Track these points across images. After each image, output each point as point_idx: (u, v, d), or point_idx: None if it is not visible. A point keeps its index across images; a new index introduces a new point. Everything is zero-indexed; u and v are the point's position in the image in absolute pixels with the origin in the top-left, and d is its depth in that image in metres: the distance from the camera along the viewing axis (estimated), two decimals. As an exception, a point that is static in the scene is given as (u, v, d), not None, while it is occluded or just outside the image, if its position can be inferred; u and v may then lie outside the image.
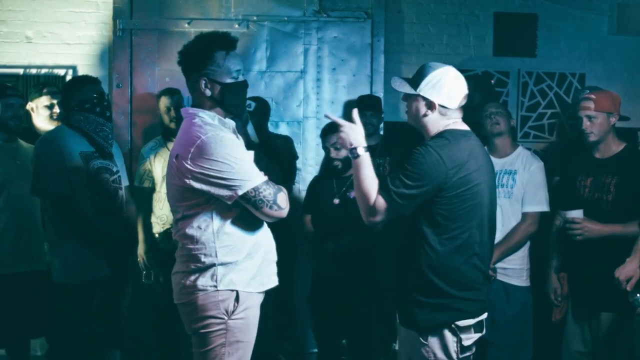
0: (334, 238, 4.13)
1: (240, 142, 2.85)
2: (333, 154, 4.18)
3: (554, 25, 5.43)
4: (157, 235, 4.58)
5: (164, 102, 4.62)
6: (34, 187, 3.57)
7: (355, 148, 2.79)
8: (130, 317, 4.55)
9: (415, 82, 2.84)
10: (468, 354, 2.86)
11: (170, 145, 4.54)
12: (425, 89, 2.81)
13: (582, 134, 3.75)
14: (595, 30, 5.44)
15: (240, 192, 2.67)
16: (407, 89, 2.86)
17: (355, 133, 2.82)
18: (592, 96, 3.73)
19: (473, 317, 2.82)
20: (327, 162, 4.30)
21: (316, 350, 4.57)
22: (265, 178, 2.76)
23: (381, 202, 2.72)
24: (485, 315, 2.89)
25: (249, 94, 4.85)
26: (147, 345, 4.88)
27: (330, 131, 4.18)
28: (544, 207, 4.13)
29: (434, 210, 2.75)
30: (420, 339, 2.80)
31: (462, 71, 5.14)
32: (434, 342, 2.79)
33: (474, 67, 5.37)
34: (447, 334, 2.79)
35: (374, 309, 4.37)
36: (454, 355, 2.80)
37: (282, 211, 2.78)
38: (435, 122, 2.85)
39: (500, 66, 5.40)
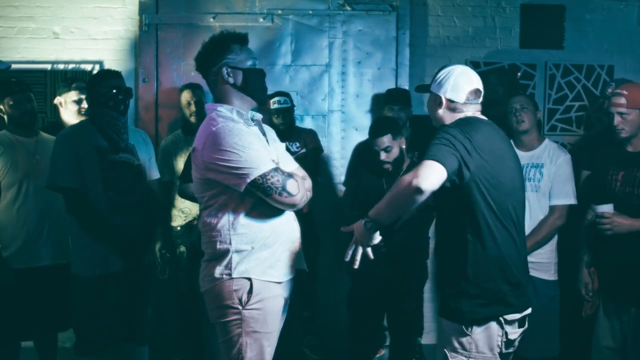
0: (384, 237, 4.10)
1: (254, 133, 2.89)
2: (383, 156, 4.05)
3: (581, 16, 5.37)
4: (178, 228, 4.61)
5: (185, 96, 4.67)
6: (47, 181, 3.62)
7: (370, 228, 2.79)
8: (155, 312, 4.58)
9: (432, 81, 3.04)
10: (511, 349, 2.88)
11: (190, 139, 4.57)
12: (434, 85, 2.99)
13: (613, 129, 3.69)
14: (624, 21, 5.37)
15: (248, 180, 2.73)
16: (423, 89, 3.10)
17: (361, 237, 2.82)
18: (624, 92, 3.64)
19: (519, 312, 2.84)
20: (377, 163, 4.13)
21: (341, 344, 4.57)
22: (275, 165, 2.80)
23: (428, 167, 2.65)
24: (529, 310, 2.90)
25: (273, 89, 4.92)
26: (172, 339, 4.91)
27: (378, 133, 4.07)
28: (572, 200, 4.09)
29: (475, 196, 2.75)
30: (465, 330, 2.79)
31: (488, 64, 5.24)
32: (478, 334, 2.79)
33: (501, 60, 5.32)
34: (494, 326, 2.79)
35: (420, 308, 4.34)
36: (497, 350, 2.81)
37: (293, 198, 2.80)
38: (448, 116, 2.95)
39: (527, 58, 5.35)
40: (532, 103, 4.26)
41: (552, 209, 4.09)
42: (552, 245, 4.13)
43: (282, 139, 4.69)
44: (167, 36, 5.12)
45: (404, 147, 4.14)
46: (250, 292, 2.80)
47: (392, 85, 5.15)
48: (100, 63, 5.13)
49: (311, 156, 4.99)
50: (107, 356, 3.68)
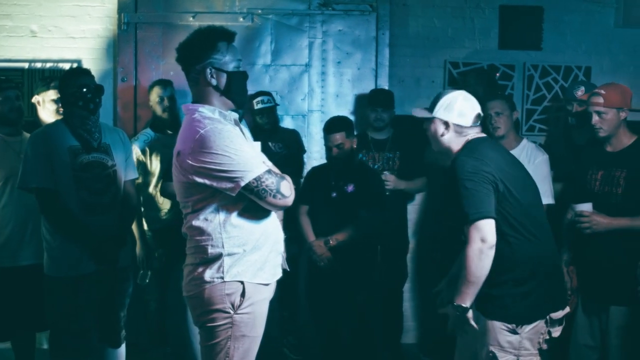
0: (332, 232, 4.20)
1: (240, 134, 2.84)
2: (335, 152, 4.23)
3: (560, 17, 5.41)
4: (149, 232, 4.57)
5: (156, 92, 4.64)
6: (19, 181, 3.58)
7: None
8: (135, 312, 4.55)
9: (431, 107, 3.13)
10: (546, 346, 3.05)
11: (160, 137, 4.54)
12: (440, 111, 3.09)
13: (592, 129, 3.73)
14: (601, 23, 5.42)
15: (242, 183, 2.67)
16: (425, 113, 3.14)
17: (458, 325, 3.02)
18: (602, 91, 3.69)
19: (562, 309, 3.03)
20: (328, 159, 4.34)
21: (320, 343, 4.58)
22: (267, 167, 2.75)
23: (480, 229, 2.86)
24: (568, 309, 3.09)
25: (253, 89, 4.91)
26: (154, 339, 4.89)
27: (332, 129, 4.22)
28: (550, 200, 4.12)
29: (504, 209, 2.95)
30: (515, 329, 2.95)
31: (467, 64, 5.27)
32: (527, 332, 2.96)
33: (480, 61, 5.35)
34: (541, 324, 2.98)
35: (379, 303, 4.38)
36: (538, 346, 3.00)
37: (287, 199, 2.77)
38: (453, 140, 3.10)
39: (506, 59, 5.38)
40: (509, 106, 4.28)
41: (531, 208, 4.12)
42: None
43: (266, 139, 4.72)
44: (146, 35, 5.08)
45: (355, 146, 4.30)
46: (242, 295, 2.76)
47: (371, 86, 5.16)
48: (79, 62, 5.08)
49: (294, 157, 4.99)
50: (83, 358, 3.66)
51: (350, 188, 4.22)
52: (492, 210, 2.88)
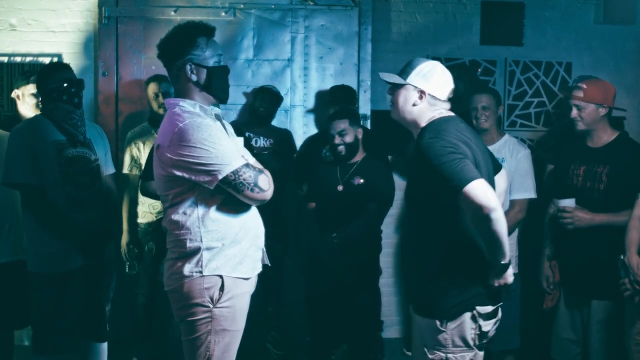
0: (339, 227, 4.12)
1: (221, 128, 2.84)
2: (337, 140, 4.15)
3: (540, 14, 5.44)
4: (147, 224, 4.55)
5: (152, 88, 4.60)
6: (2, 177, 3.54)
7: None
8: (115, 308, 4.53)
9: (405, 73, 2.88)
10: (484, 341, 2.83)
11: (157, 131, 4.52)
12: (416, 78, 2.85)
13: (570, 122, 3.76)
14: (581, 19, 5.47)
15: (220, 176, 2.67)
16: (396, 79, 2.89)
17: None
18: (584, 86, 3.72)
19: (493, 304, 2.81)
20: (331, 148, 4.25)
21: (304, 339, 4.58)
22: (245, 161, 2.76)
23: (474, 193, 2.56)
24: (501, 304, 2.86)
25: (235, 83, 4.90)
26: (132, 335, 4.86)
27: (336, 117, 4.18)
28: (532, 194, 4.15)
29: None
30: (439, 326, 2.77)
31: (449, 60, 5.29)
32: (452, 329, 2.76)
33: (461, 56, 5.37)
34: (468, 320, 2.76)
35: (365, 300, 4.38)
36: (472, 342, 2.78)
37: (265, 193, 2.77)
38: (424, 112, 2.86)
39: (488, 55, 5.40)
40: (495, 101, 4.29)
41: (513, 203, 4.15)
42: (513, 238, 4.18)
43: (257, 133, 4.73)
44: (128, 29, 5.05)
45: (360, 137, 4.22)
46: (221, 289, 2.76)
47: (354, 81, 5.16)
48: (59, 56, 5.04)
49: (284, 155, 4.97)
50: (66, 354, 3.63)
51: (356, 181, 4.16)
52: (476, 173, 2.60)
